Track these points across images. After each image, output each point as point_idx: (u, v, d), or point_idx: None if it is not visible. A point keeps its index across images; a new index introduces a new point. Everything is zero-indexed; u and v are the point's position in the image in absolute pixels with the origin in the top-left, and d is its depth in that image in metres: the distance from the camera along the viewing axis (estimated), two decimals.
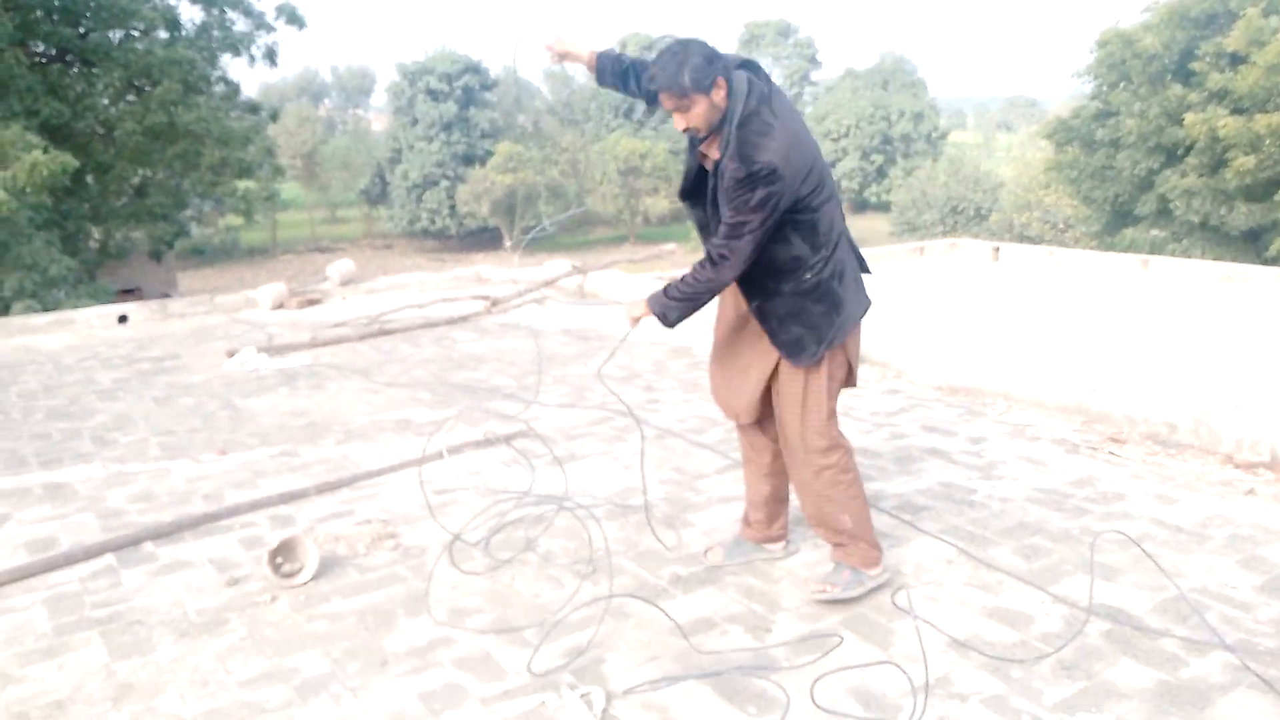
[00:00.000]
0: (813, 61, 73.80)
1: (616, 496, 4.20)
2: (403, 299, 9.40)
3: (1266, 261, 19.29)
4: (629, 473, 4.48)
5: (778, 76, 74.52)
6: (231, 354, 7.04)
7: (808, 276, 3.04)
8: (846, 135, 64.06)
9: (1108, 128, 23.63)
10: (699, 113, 2.90)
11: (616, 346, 3.99)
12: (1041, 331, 7.72)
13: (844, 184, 63.72)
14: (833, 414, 3.21)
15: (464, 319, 8.42)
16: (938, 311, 8.77)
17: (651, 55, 3.11)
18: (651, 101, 3.16)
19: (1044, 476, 4.37)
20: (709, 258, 2.99)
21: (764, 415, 3.35)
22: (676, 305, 3.07)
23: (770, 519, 3.54)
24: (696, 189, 3.18)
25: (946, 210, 48.68)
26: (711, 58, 2.89)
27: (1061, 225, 34.28)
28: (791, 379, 3.15)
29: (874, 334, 6.30)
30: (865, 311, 3.23)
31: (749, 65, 3.03)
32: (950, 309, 8.92)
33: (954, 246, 13.12)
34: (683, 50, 2.89)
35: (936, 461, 4.59)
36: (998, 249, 12.51)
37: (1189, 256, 20.23)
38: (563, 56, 3.44)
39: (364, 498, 4.27)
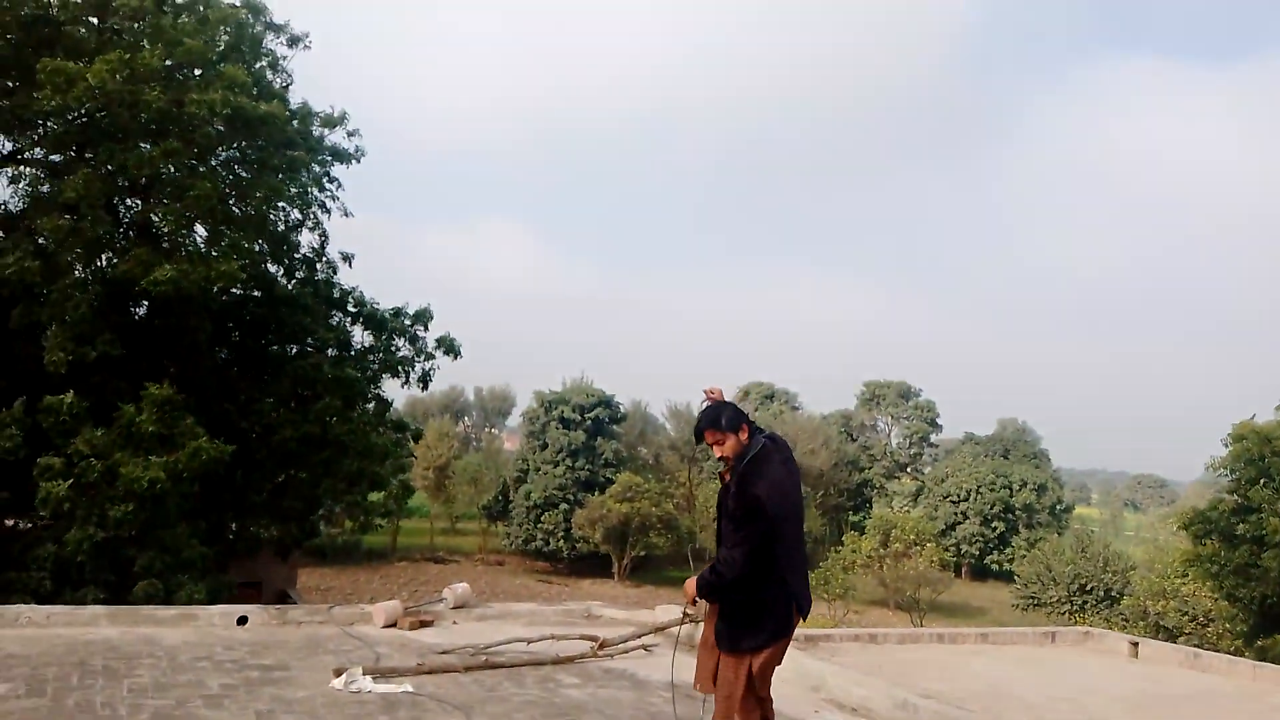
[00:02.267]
0: (933, 425, 74.81)
1: None
2: (512, 630, 9.31)
3: None
4: None
5: (897, 436, 75.59)
6: (339, 672, 7.01)
7: (758, 595, 4.59)
8: (967, 499, 63.34)
9: (1249, 523, 22.65)
10: (729, 446, 4.68)
11: (681, 621, 5.00)
12: None
13: (964, 549, 62.06)
14: (748, 698, 4.64)
15: (570, 660, 8.24)
16: None
17: (773, 404, 4.90)
18: (699, 440, 4.85)
19: None
20: (715, 568, 4.63)
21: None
22: (708, 589, 4.72)
23: None
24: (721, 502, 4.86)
25: (1074, 589, 46.48)
26: (738, 413, 4.71)
27: (1201, 619, 32.09)
28: (725, 665, 4.67)
29: None
30: (786, 635, 4.70)
31: (772, 435, 4.83)
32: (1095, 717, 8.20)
33: (1088, 635, 12.35)
34: (719, 407, 4.76)
35: None
36: (1136, 644, 11.69)
37: None
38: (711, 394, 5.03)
39: None
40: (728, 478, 4.75)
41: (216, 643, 8.03)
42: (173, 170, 16.04)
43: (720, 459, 4.74)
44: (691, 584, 4.77)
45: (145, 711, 5.90)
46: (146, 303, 17.16)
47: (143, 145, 15.81)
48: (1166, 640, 18.55)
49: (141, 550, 14.54)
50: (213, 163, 17.16)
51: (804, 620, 4.84)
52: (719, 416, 4.68)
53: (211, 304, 16.97)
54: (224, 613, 8.89)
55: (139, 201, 17.22)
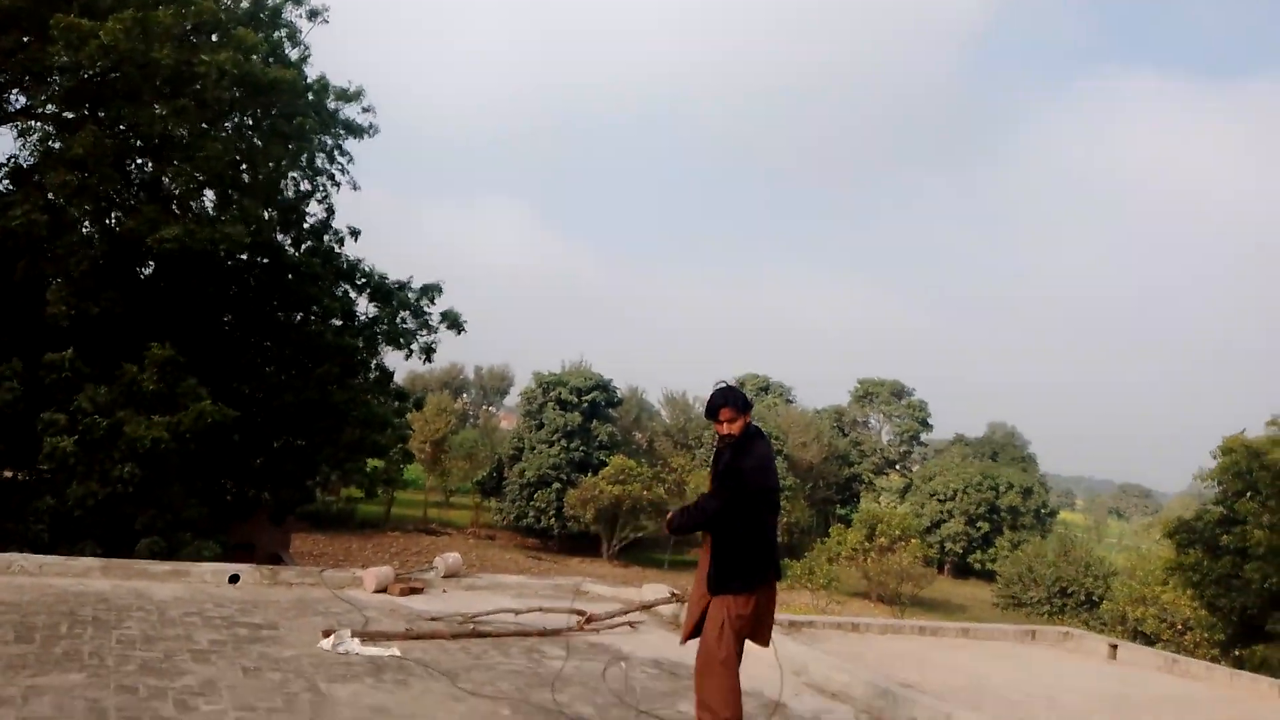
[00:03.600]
0: (924, 424, 75.02)
1: None
2: (500, 601, 9.44)
3: None
4: None
5: (888, 433, 75.84)
6: (327, 634, 7.14)
7: (745, 548, 5.33)
8: (953, 499, 63.62)
9: (1234, 535, 22.82)
10: (739, 425, 5.35)
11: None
12: None
13: (948, 546, 62.35)
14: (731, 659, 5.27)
15: (556, 633, 8.37)
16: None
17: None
18: (712, 414, 5.43)
19: None
20: (689, 509, 5.52)
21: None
22: (679, 525, 5.53)
23: None
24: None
25: (1055, 591, 46.83)
26: (748, 399, 5.51)
27: (1180, 626, 32.36)
28: (713, 609, 5.33)
29: None
30: (764, 584, 5.44)
31: (757, 427, 5.56)
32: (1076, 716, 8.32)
33: (1067, 636, 12.51)
34: (734, 389, 5.45)
35: None
36: (1115, 646, 11.85)
37: None
38: None
39: None
40: (725, 445, 5.50)
41: (207, 599, 8.15)
42: (184, 132, 16.08)
43: (724, 435, 5.41)
44: (670, 516, 5.63)
45: (133, 662, 5.97)
46: (153, 263, 17.23)
47: (154, 106, 15.84)
48: (1145, 645, 18.73)
49: (141, 508, 14.67)
50: (225, 127, 17.18)
51: (778, 579, 5.62)
52: (738, 398, 5.40)
53: (217, 267, 17.02)
54: (216, 570, 9.01)
55: (149, 161, 17.26)
